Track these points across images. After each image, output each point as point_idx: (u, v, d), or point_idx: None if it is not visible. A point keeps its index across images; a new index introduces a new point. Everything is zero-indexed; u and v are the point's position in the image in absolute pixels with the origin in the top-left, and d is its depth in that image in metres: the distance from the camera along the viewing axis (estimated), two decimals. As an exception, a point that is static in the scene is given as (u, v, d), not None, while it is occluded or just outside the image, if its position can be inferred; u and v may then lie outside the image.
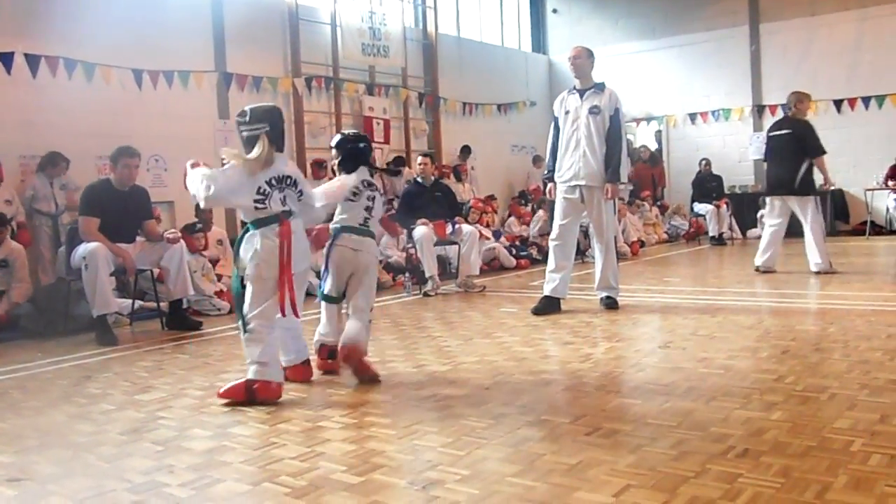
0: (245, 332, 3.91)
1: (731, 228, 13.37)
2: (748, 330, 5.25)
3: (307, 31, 11.42)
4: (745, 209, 13.81)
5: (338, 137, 4.64)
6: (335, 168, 4.63)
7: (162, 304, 6.83)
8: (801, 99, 8.41)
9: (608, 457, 2.83)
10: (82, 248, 6.13)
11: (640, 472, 2.67)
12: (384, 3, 12.53)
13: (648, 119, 16.07)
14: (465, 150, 13.61)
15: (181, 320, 6.60)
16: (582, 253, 10.99)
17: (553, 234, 6.58)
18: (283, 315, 3.89)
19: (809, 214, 8.09)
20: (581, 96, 6.40)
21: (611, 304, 6.47)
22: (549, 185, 6.66)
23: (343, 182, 4.39)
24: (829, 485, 2.47)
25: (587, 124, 6.31)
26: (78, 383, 4.65)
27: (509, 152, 15.33)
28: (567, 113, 6.45)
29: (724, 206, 13.17)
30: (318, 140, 11.48)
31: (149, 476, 2.89)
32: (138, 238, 6.56)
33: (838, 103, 13.74)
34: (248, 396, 3.86)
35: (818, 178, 8.37)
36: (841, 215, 13.74)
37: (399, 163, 12.03)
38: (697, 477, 2.59)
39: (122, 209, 6.35)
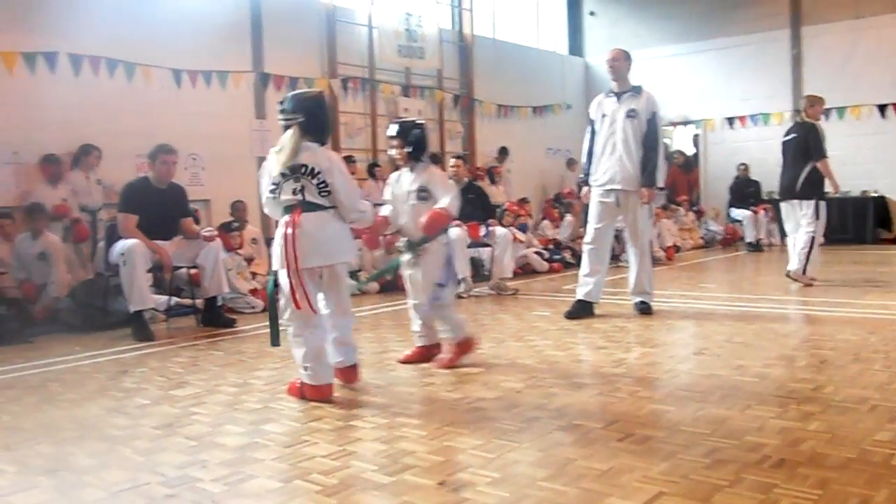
0: (290, 335, 3.92)
1: (769, 235, 13.18)
2: (785, 338, 5.18)
3: (344, 33, 11.48)
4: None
5: (400, 125, 4.62)
6: (399, 158, 4.62)
7: (197, 301, 6.90)
8: (812, 103, 8.22)
9: (640, 463, 2.80)
10: (120, 245, 6.22)
11: (672, 479, 2.64)
12: (420, 5, 12.55)
13: (686, 123, 15.90)
14: (503, 152, 13.57)
15: (216, 317, 6.66)
16: (616, 257, 10.91)
17: (587, 238, 6.53)
18: (298, 308, 3.77)
19: (807, 219, 7.86)
20: (618, 99, 6.35)
21: (645, 309, 6.41)
22: (585, 188, 6.62)
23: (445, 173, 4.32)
24: (868, 498, 2.42)
25: (624, 128, 6.25)
26: (114, 377, 4.72)
27: (544, 155, 15.26)
28: (604, 116, 6.40)
29: (762, 211, 12.99)
30: (354, 140, 11.53)
31: (182, 470, 2.92)
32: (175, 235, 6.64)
33: (882, 108, 13.48)
34: (301, 397, 3.92)
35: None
36: (883, 223, 13.47)
37: (434, 160, 11.98)
38: (731, 486, 2.55)
39: (160, 206, 6.43)
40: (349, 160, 10.78)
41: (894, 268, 9.58)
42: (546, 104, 15.37)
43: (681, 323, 6.07)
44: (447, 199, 4.46)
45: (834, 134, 13.89)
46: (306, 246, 3.75)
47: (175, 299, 7.33)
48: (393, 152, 4.68)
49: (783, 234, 12.61)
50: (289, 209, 3.82)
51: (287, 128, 3.88)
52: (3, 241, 7.25)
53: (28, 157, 8.01)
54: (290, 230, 3.74)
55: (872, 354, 4.52)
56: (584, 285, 6.43)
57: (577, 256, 11.14)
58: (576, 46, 16.91)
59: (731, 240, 13.75)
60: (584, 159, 6.67)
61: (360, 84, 11.68)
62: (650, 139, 6.23)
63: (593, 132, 6.51)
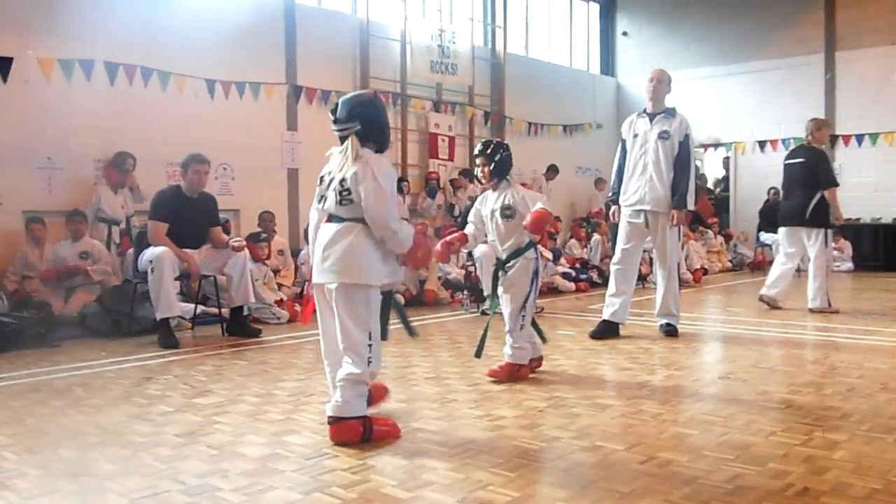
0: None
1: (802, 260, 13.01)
2: (812, 365, 5.11)
3: (377, 47, 11.56)
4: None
5: (484, 145, 4.77)
6: (482, 177, 4.74)
7: (223, 310, 6.95)
8: (819, 126, 8.05)
9: (662, 487, 2.77)
10: (149, 252, 6.28)
11: (694, 503, 2.61)
12: (454, 22, 12.62)
13: (716, 145, 15.81)
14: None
15: (241, 327, 6.70)
16: (643, 278, 10.85)
17: (615, 259, 6.51)
18: (304, 322, 3.64)
19: (817, 248, 7.75)
20: (651, 120, 6.33)
21: (670, 331, 6.35)
22: (613, 207, 6.60)
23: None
24: (893, 530, 2.38)
25: (655, 149, 6.23)
26: (139, 384, 4.76)
27: (573, 174, 15.23)
28: (636, 136, 6.38)
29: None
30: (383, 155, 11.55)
31: (203, 479, 2.94)
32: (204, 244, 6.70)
33: (916, 135, 13.34)
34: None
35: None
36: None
37: (466, 174, 11.97)
38: (754, 514, 2.52)
39: (190, 215, 6.49)
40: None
41: (927, 297, 9.43)
42: (576, 123, 15.36)
43: (706, 346, 6.01)
44: (540, 203, 4.54)
45: (867, 160, 13.85)
46: (315, 260, 3.51)
47: (201, 308, 7.38)
48: (477, 171, 4.81)
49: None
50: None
51: (343, 139, 3.47)
52: (34, 245, 7.38)
53: (61, 163, 8.15)
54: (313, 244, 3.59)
55: (902, 384, 4.45)
56: (610, 305, 6.39)
57: (604, 276, 11.13)
58: (608, 66, 16.90)
59: (759, 263, 13.61)
60: (613, 178, 6.65)
61: (392, 98, 11.75)
62: (682, 161, 6.19)
63: (624, 151, 6.50)
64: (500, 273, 4.73)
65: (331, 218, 3.48)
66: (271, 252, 8.37)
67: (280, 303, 7.79)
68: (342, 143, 3.47)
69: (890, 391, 4.28)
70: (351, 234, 3.40)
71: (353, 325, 3.37)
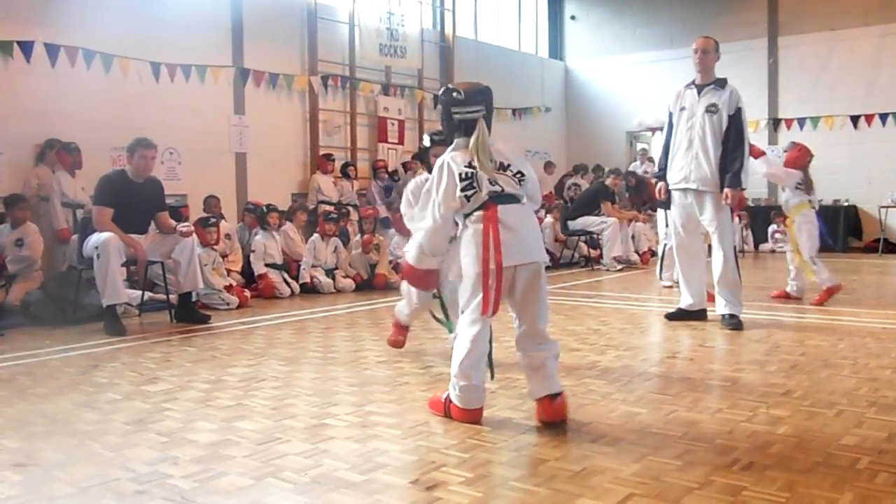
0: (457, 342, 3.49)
1: (744, 241, 13.30)
2: (756, 343, 5.23)
3: (325, 30, 11.44)
4: (759, 222, 13.77)
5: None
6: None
7: (171, 296, 6.85)
8: None
9: (612, 464, 2.82)
10: (95, 238, 6.17)
11: (643, 481, 2.66)
12: (402, 5, 12.55)
13: (664, 128, 16.00)
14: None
15: (190, 313, 6.62)
16: (592, 261, 11.02)
17: (676, 243, 6.24)
18: (486, 313, 3.34)
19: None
20: (699, 92, 5.95)
21: (734, 324, 5.78)
22: (661, 184, 6.23)
23: None
24: (834, 501, 2.46)
25: (702, 124, 5.84)
26: (85, 372, 4.67)
27: (523, 157, 15.28)
28: (682, 109, 6.01)
29: (737, 218, 13.08)
30: (332, 139, 11.49)
31: (153, 467, 2.90)
32: (150, 229, 6.59)
33: (855, 119, 13.68)
34: (445, 414, 3.50)
35: None
36: (854, 232, 13.66)
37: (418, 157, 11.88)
38: (701, 488, 2.58)
39: (136, 200, 6.38)
40: (328, 158, 10.82)
41: (864, 276, 9.72)
42: (526, 107, 15.42)
43: (654, 327, 6.10)
44: None
45: (808, 144, 14.12)
46: (510, 240, 3.32)
47: (149, 294, 7.27)
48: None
49: (761, 242, 12.73)
50: (481, 206, 3.38)
51: (465, 122, 3.51)
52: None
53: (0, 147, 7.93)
54: (489, 227, 3.32)
55: (841, 361, 4.58)
56: (685, 295, 6.13)
57: (555, 259, 11.24)
58: (556, 50, 16.99)
59: (707, 245, 13.82)
60: (661, 154, 6.30)
61: (340, 82, 11.65)
62: (735, 137, 5.77)
63: (671, 125, 6.13)
64: None
65: (509, 198, 3.40)
66: (220, 237, 8.27)
67: (229, 288, 7.71)
68: (459, 128, 3.53)
69: (831, 367, 4.40)
70: (532, 213, 3.56)
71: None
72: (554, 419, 3.34)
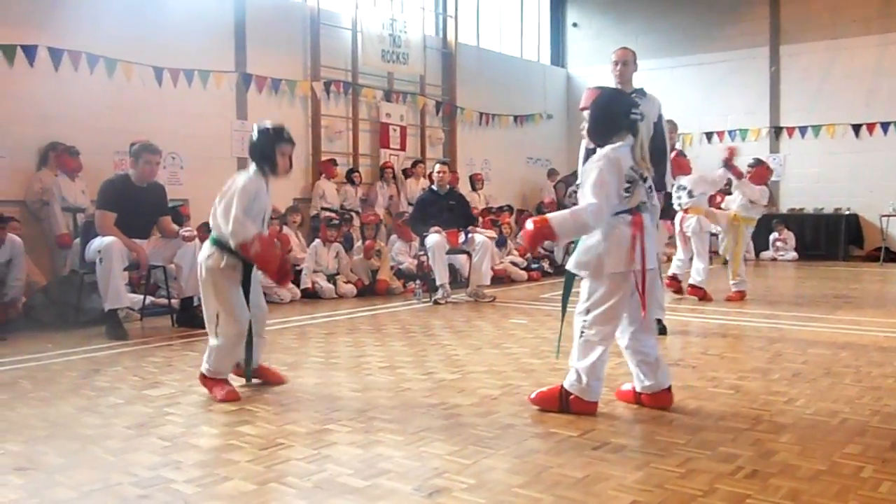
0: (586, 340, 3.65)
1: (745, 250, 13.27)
2: (759, 351, 5.22)
3: (328, 36, 11.45)
4: (760, 230, 13.75)
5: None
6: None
7: (173, 301, 6.85)
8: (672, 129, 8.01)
9: (615, 472, 2.82)
10: (97, 242, 6.16)
11: (646, 488, 2.65)
12: (405, 11, 12.57)
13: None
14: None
15: (191, 318, 6.60)
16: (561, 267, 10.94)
17: None
18: (644, 316, 3.62)
19: None
20: None
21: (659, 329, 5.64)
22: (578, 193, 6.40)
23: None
24: (838, 510, 2.46)
25: None
26: (87, 376, 4.67)
27: (524, 164, 15.32)
28: None
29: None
30: (334, 144, 11.49)
31: (155, 471, 2.90)
32: (153, 234, 6.59)
33: (857, 128, 13.66)
34: (561, 407, 3.65)
35: None
36: (855, 241, 13.65)
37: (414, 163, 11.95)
38: (705, 496, 2.58)
39: (139, 205, 6.38)
40: (332, 163, 10.83)
41: (865, 284, 9.71)
42: (527, 114, 15.43)
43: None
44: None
45: (810, 152, 14.18)
46: (651, 246, 3.59)
47: (150, 298, 7.27)
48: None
49: (762, 250, 12.72)
50: (628, 211, 3.55)
51: (631, 124, 3.62)
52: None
53: (2, 151, 7.90)
54: (636, 232, 3.52)
55: (843, 369, 4.58)
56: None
57: (555, 265, 11.24)
58: (558, 57, 17.01)
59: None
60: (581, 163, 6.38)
61: (343, 88, 11.66)
62: (657, 144, 5.77)
63: None
64: None
65: (646, 207, 3.62)
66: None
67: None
68: (626, 129, 3.62)
69: (833, 376, 4.40)
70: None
71: None
72: (669, 405, 3.73)
